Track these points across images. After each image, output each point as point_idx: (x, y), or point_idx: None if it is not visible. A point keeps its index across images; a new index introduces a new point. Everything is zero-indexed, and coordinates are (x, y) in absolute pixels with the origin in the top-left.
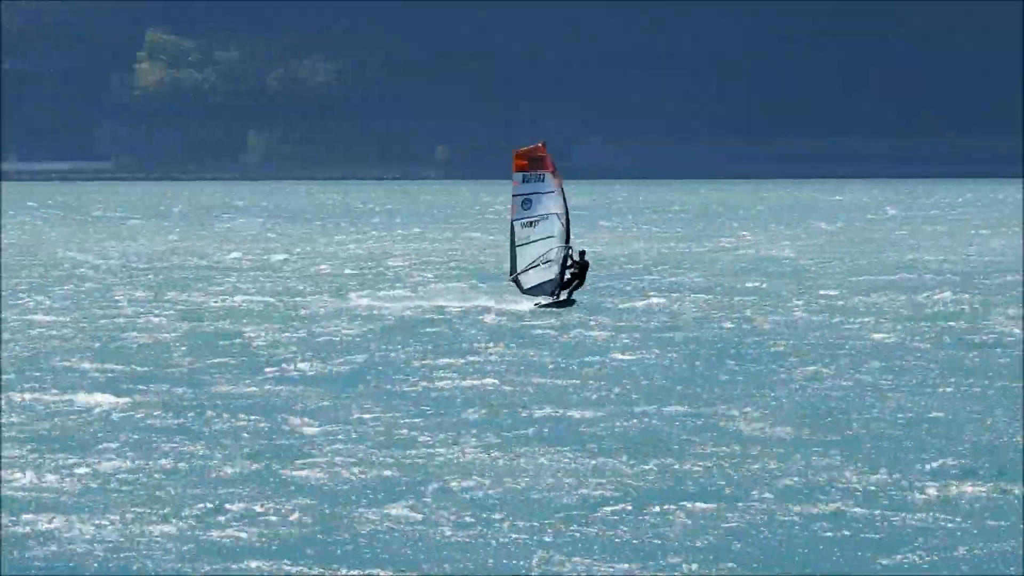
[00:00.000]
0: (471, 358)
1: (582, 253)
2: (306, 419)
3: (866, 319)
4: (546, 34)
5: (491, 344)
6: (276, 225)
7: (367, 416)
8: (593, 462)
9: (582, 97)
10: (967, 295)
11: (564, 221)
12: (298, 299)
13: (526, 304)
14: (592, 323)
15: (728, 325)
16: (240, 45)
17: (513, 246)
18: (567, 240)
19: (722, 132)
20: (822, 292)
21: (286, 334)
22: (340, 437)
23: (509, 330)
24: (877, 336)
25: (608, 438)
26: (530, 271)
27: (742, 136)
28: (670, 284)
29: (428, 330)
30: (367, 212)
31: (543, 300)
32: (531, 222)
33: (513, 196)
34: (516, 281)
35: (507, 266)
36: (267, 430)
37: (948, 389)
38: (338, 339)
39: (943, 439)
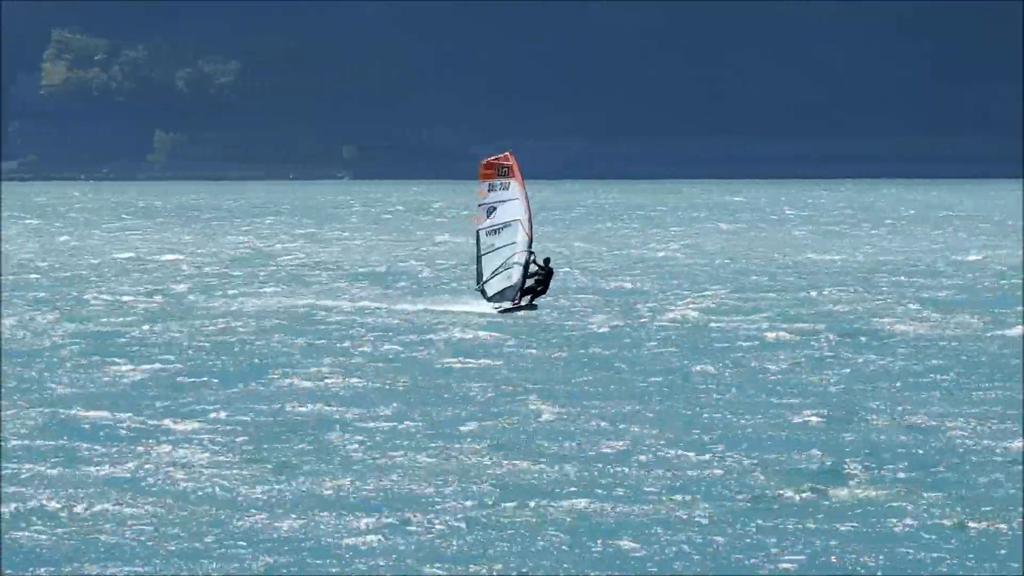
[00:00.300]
0: (342, 357)
1: (547, 260)
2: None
3: (753, 317)
4: (452, 33)
5: (357, 343)
6: (168, 225)
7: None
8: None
9: (489, 97)
10: (856, 293)
11: (527, 228)
12: (171, 298)
13: (410, 304)
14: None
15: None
16: (147, 44)
17: (479, 256)
18: (529, 246)
19: (630, 133)
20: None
21: (171, 331)
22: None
23: (379, 327)
24: (771, 335)
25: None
26: (493, 279)
27: (650, 136)
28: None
29: (316, 327)
30: (264, 211)
31: (505, 304)
32: (495, 230)
33: (479, 205)
34: (482, 290)
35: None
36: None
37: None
38: (219, 335)
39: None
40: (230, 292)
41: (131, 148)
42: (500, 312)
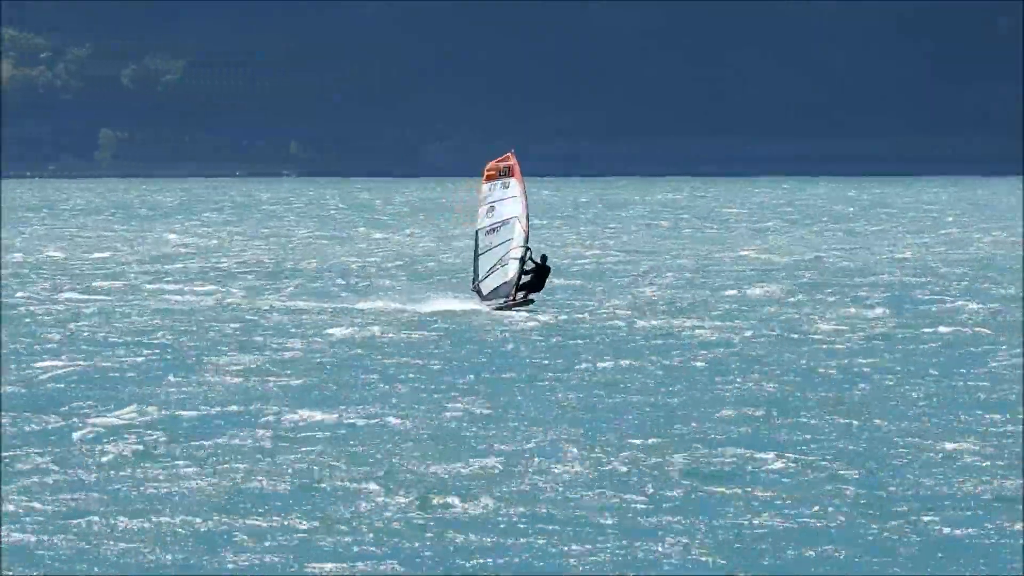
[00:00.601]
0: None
1: (544, 257)
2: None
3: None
4: (399, 31)
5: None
6: (104, 223)
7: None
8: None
9: (433, 96)
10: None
11: (524, 224)
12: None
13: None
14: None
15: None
16: (93, 42)
17: (476, 255)
18: (526, 241)
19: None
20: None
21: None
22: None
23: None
24: (701, 333)
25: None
26: (489, 277)
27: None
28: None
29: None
30: (205, 208)
31: (500, 301)
32: (493, 228)
33: (480, 206)
34: (478, 290)
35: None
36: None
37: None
38: (142, 330)
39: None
40: (149, 288)
41: (77, 146)
42: (495, 309)
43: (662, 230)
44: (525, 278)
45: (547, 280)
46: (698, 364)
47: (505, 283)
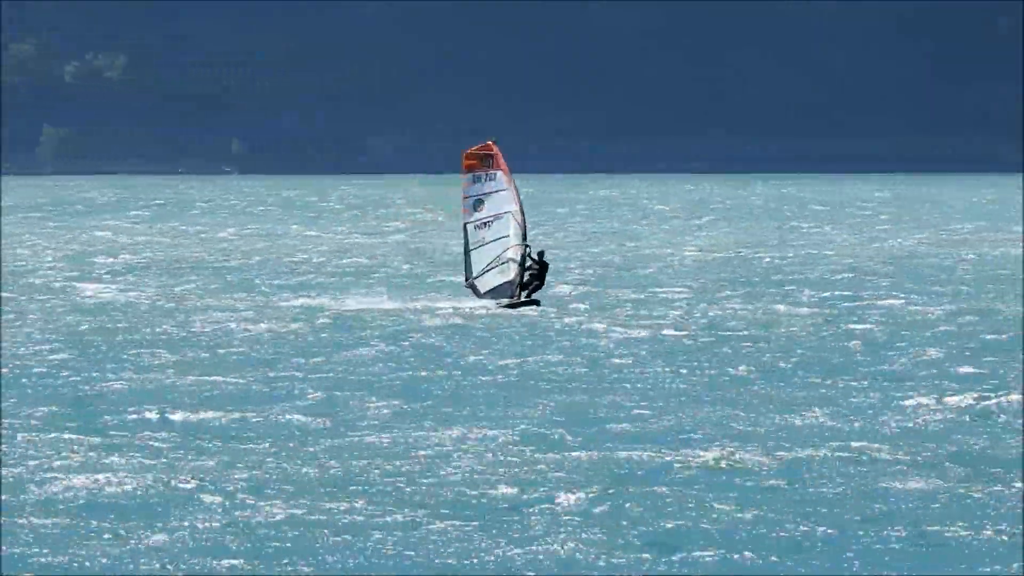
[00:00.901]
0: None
1: (541, 253)
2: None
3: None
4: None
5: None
6: (34, 221)
7: None
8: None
9: (376, 92)
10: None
11: (520, 219)
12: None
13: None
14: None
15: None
16: (35, 38)
17: (467, 250)
18: (524, 239)
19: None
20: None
21: None
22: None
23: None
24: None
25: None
26: (486, 274)
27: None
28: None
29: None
30: (136, 205)
31: (504, 301)
32: (484, 223)
33: (464, 198)
34: (472, 286)
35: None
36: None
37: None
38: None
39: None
40: (56, 285)
41: (19, 142)
42: (500, 307)
43: (589, 226)
44: (526, 276)
45: (546, 276)
46: (619, 360)
47: (507, 282)
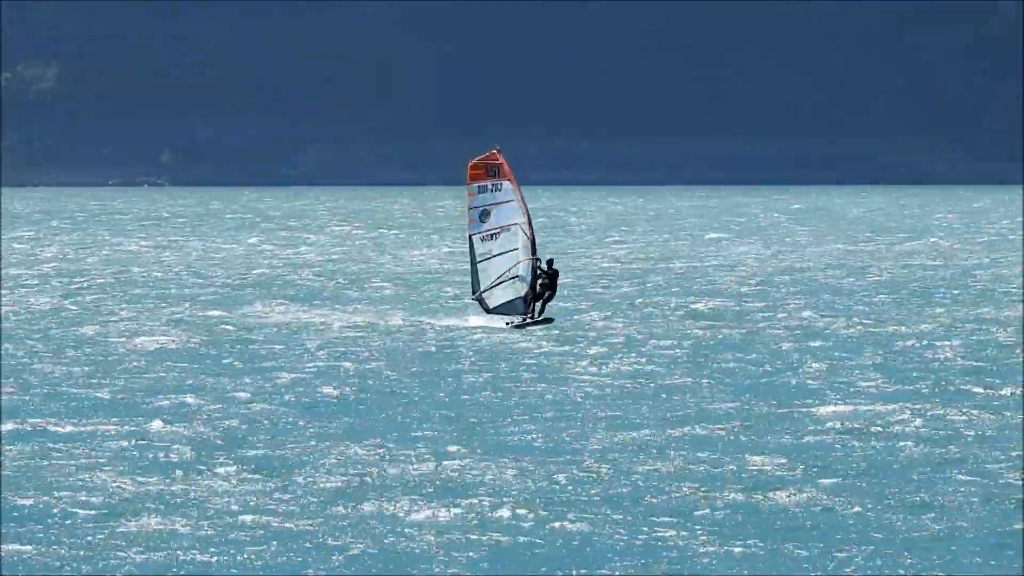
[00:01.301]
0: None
1: (550, 262)
2: None
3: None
4: (269, 39)
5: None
6: None
7: None
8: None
9: (305, 103)
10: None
11: (529, 231)
12: None
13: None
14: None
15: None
16: None
17: (473, 263)
18: (533, 251)
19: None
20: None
21: None
22: None
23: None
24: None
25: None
26: (495, 288)
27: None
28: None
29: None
30: (53, 217)
31: (516, 319)
32: (491, 234)
33: (469, 208)
34: (480, 300)
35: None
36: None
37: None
38: None
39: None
40: None
41: None
42: (513, 327)
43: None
44: (540, 287)
45: (557, 284)
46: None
47: (519, 298)
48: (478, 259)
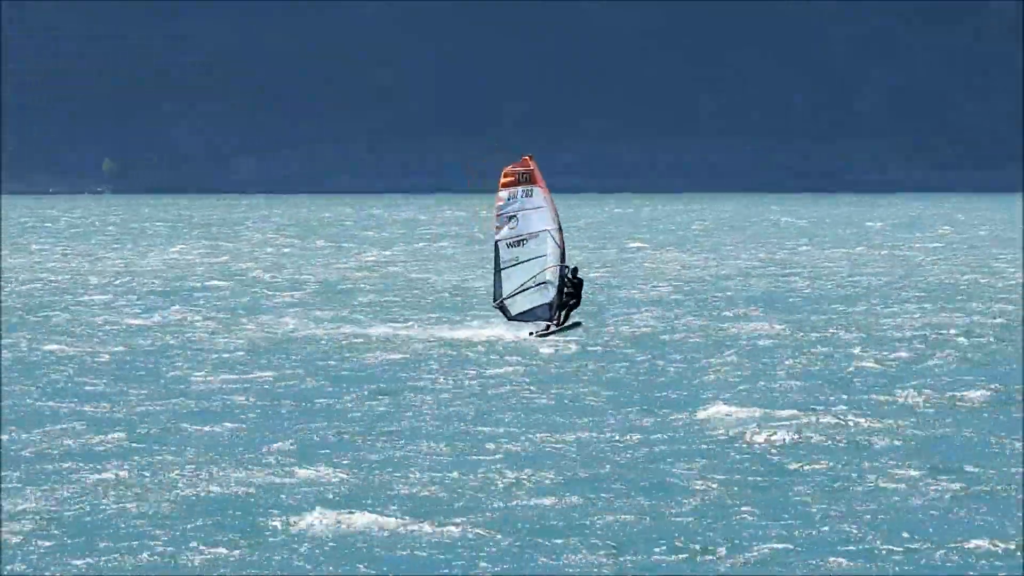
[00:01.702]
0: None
1: (575, 270)
2: None
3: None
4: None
5: None
6: None
7: None
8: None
9: (244, 109)
10: None
11: (559, 238)
12: None
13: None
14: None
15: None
16: None
17: (497, 269)
18: (563, 258)
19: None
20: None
21: None
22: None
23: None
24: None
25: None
26: (519, 295)
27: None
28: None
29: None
30: None
31: (541, 326)
32: (519, 241)
33: (497, 215)
34: (502, 307)
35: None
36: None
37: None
38: None
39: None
40: None
41: None
42: (538, 335)
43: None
44: (565, 295)
45: (581, 293)
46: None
47: (545, 304)
48: (502, 265)
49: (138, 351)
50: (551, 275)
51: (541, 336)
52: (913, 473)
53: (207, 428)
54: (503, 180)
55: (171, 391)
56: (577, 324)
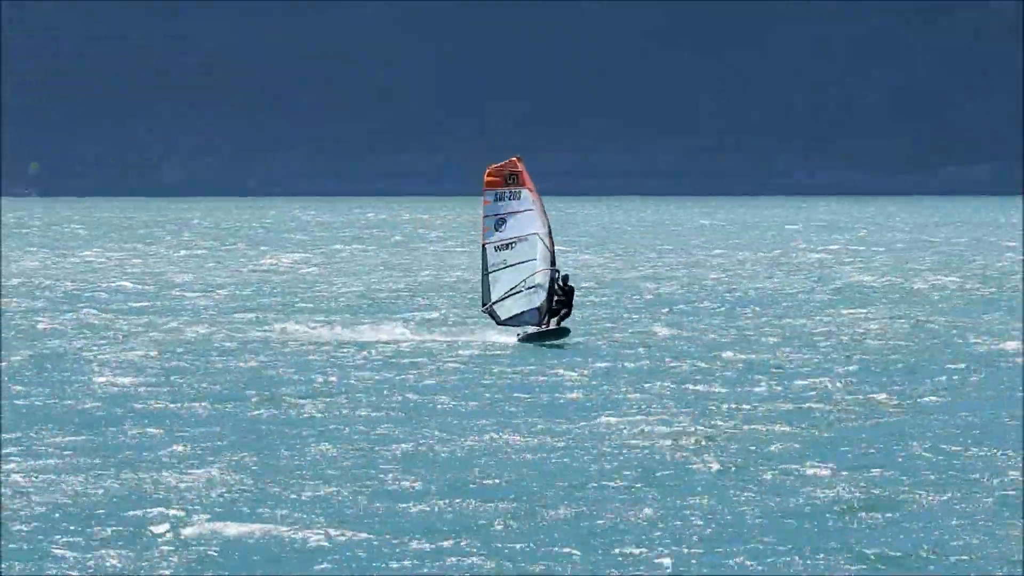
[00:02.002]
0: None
1: (565, 278)
2: None
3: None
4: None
5: None
6: None
7: None
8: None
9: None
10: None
11: (548, 242)
12: None
13: None
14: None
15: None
16: None
17: (485, 272)
18: (553, 262)
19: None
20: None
21: None
22: None
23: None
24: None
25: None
26: (507, 299)
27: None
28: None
29: None
30: None
31: (530, 330)
32: (507, 244)
33: (484, 216)
34: (491, 312)
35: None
36: None
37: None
38: None
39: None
40: None
41: None
42: (523, 339)
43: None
44: (556, 303)
45: (572, 301)
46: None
47: (534, 309)
48: (490, 269)
49: (44, 354)
50: (541, 278)
51: (526, 340)
52: (840, 474)
53: (110, 429)
54: (487, 179)
55: (73, 393)
56: (566, 330)
